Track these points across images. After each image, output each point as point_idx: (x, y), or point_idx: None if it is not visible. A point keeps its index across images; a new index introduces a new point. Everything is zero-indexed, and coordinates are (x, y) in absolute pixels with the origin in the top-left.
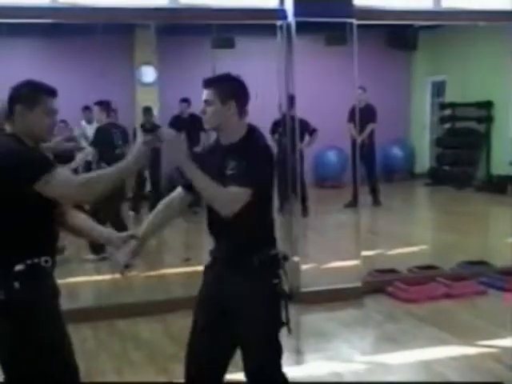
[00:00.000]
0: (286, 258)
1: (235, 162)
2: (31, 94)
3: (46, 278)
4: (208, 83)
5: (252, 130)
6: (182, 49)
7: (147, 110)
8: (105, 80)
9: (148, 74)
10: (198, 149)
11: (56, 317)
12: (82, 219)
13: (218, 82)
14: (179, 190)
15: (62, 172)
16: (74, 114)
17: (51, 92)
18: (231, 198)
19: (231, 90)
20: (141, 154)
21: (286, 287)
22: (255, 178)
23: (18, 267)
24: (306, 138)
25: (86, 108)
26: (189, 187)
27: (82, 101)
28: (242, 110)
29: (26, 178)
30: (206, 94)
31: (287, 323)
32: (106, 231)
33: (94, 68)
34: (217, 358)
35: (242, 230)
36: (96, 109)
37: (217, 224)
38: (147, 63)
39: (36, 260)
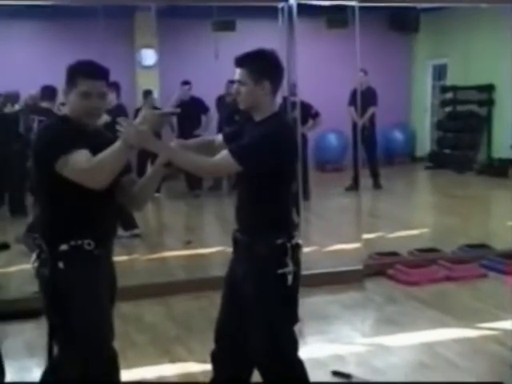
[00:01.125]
0: (297, 246)
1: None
2: (69, 76)
3: (90, 262)
4: (240, 62)
5: (277, 114)
6: (183, 32)
7: (147, 93)
8: (105, 63)
9: (148, 56)
10: (198, 132)
11: (97, 302)
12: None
13: (250, 61)
14: (220, 137)
15: (78, 155)
16: None
17: (89, 74)
18: (209, 165)
19: (264, 68)
20: (148, 119)
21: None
22: (248, 156)
23: (63, 247)
24: (310, 121)
25: None
26: (228, 141)
27: None
28: (276, 88)
29: (47, 160)
30: (238, 73)
31: (293, 315)
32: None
33: (94, 51)
34: (236, 336)
35: (249, 217)
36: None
37: (236, 208)
38: (148, 46)
39: (79, 242)
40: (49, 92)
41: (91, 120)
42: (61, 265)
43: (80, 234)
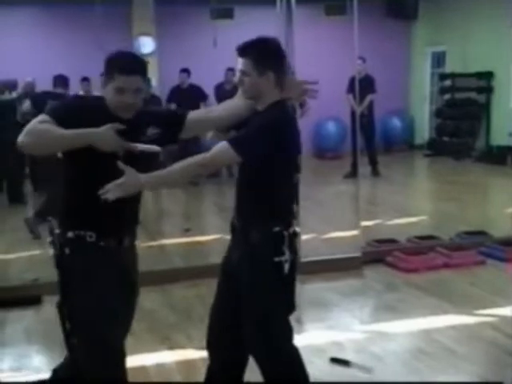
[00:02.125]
0: (294, 234)
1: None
2: (106, 69)
3: (94, 251)
4: (243, 52)
5: (278, 103)
6: (181, 19)
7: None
8: (103, 51)
9: (146, 44)
10: None
11: (95, 291)
12: None
13: (255, 52)
14: None
15: (39, 118)
16: (72, 86)
17: (125, 70)
18: (206, 160)
19: (269, 60)
20: (104, 135)
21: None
22: (247, 147)
23: (69, 234)
24: (299, 111)
25: (85, 79)
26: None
27: (80, 72)
28: (280, 78)
29: None
30: (241, 63)
31: (289, 304)
32: None
33: (91, 38)
34: (231, 323)
35: (247, 204)
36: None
37: (235, 195)
38: (145, 33)
39: (82, 233)
40: (62, 80)
41: (126, 114)
42: (67, 250)
43: (84, 225)
